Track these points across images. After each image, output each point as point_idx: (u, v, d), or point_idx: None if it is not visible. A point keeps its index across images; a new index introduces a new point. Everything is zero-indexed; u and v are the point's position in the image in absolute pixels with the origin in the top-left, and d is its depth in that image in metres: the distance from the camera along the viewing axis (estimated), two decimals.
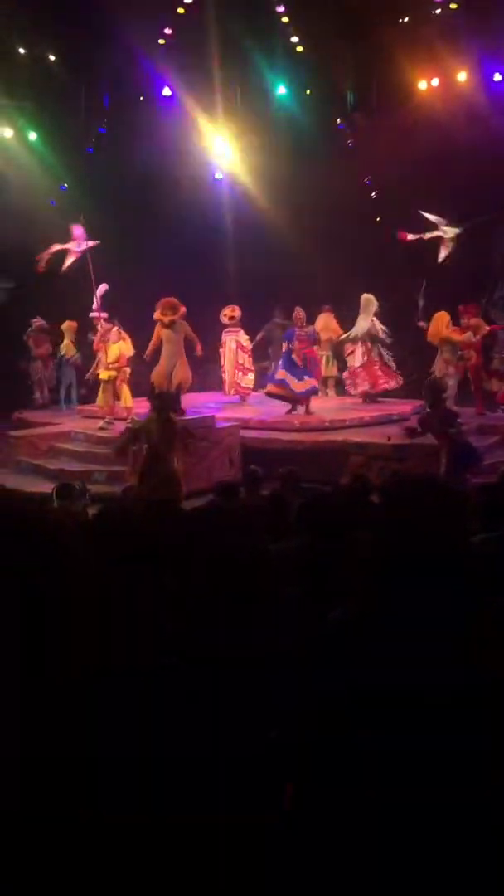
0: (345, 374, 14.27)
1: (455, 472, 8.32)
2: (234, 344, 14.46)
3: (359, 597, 1.74)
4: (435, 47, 13.96)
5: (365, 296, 13.73)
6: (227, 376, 14.52)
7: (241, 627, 2.44)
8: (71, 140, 16.43)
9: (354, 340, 13.67)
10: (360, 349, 13.73)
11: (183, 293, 12.47)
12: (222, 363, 14.68)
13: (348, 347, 13.98)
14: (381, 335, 13.64)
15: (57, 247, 13.33)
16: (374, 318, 13.65)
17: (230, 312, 14.51)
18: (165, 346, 11.96)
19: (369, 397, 13.71)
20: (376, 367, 13.66)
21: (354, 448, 10.79)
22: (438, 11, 13.76)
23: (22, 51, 14.72)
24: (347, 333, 13.85)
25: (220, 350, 14.62)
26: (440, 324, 12.28)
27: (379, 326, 13.64)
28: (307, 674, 1.79)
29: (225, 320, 14.52)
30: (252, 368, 14.64)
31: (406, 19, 14.20)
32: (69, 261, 13.31)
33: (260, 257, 16.35)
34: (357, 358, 13.77)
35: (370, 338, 13.60)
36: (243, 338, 14.61)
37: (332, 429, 11.84)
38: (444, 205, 14.56)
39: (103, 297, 13.14)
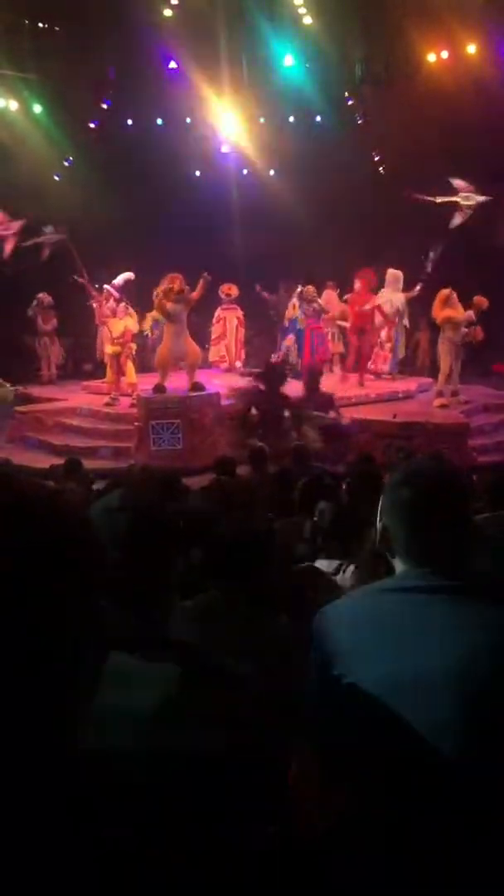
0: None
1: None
2: (236, 321, 14.83)
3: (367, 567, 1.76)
4: (444, 19, 13.75)
5: (392, 271, 13.66)
6: (228, 352, 15.00)
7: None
8: (76, 113, 16.28)
9: (393, 317, 13.62)
10: (388, 326, 13.75)
11: (188, 268, 12.41)
12: (215, 336, 14.96)
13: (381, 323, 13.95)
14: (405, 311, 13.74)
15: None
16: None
17: (227, 290, 14.82)
18: (170, 323, 11.70)
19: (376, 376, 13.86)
20: (388, 347, 13.78)
21: (360, 426, 10.79)
22: None
23: (27, 22, 14.55)
24: (388, 311, 13.71)
25: (215, 325, 14.92)
26: (438, 302, 12.07)
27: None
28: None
29: (223, 297, 14.84)
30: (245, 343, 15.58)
31: None
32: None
33: (266, 232, 16.27)
34: (383, 334, 13.83)
35: (400, 313, 13.62)
36: (240, 314, 15.16)
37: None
38: (455, 177, 14.47)
39: (125, 283, 13.18)
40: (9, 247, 14.74)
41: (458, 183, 14.17)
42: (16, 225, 14.74)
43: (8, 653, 0.83)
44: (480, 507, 4.20)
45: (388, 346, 13.86)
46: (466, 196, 14.05)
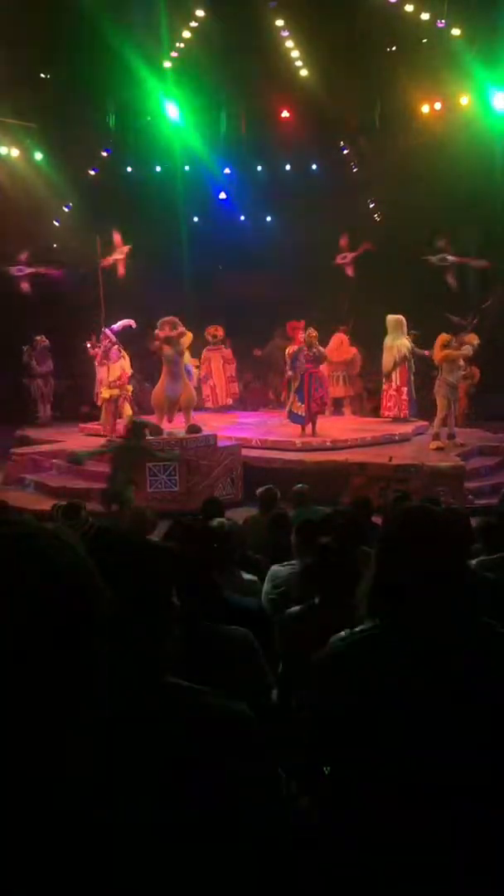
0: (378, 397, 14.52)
1: None
2: (221, 360, 15.57)
3: (363, 618, 1.75)
4: (437, 71, 14.09)
5: (394, 317, 13.64)
6: (217, 389, 15.56)
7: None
8: (76, 160, 16.57)
9: (402, 362, 13.66)
10: (398, 370, 13.74)
11: (186, 313, 12.52)
12: (201, 376, 15.21)
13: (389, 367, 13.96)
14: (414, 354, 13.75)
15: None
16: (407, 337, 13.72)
17: (213, 331, 15.48)
18: (166, 366, 11.73)
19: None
20: (405, 391, 13.79)
21: (356, 468, 10.78)
22: (442, 37, 13.88)
23: (29, 72, 14.86)
24: (395, 357, 13.66)
25: (203, 366, 15.32)
26: (437, 345, 12.15)
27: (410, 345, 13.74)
28: (310, 693, 1.80)
29: (209, 338, 15.40)
30: (236, 379, 16.01)
31: (409, 44, 14.31)
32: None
33: (262, 276, 16.48)
34: (395, 379, 13.83)
35: (407, 359, 13.61)
36: (226, 353, 15.66)
37: (333, 448, 11.83)
38: (449, 225, 14.82)
39: (123, 328, 13.30)
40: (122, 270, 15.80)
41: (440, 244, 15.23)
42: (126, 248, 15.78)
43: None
44: (478, 550, 4.20)
45: (404, 390, 13.80)
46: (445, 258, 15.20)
